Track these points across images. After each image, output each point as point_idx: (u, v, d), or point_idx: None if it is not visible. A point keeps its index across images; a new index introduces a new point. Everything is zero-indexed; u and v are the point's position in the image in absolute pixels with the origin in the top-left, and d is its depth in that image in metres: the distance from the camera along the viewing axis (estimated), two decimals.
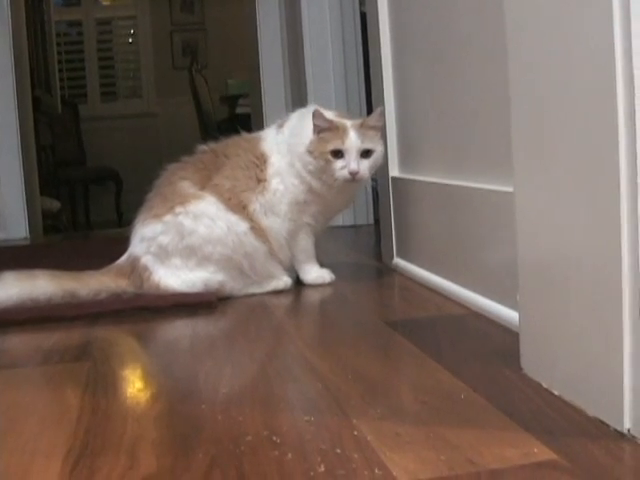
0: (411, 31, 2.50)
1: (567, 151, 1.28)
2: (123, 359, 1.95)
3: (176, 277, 2.33)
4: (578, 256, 1.28)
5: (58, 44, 8.90)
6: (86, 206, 8.64)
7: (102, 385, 1.64)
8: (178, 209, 2.32)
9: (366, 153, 2.37)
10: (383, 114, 2.56)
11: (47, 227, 5.84)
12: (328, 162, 2.35)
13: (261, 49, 4.74)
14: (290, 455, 1.20)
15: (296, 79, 4.49)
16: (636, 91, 1.11)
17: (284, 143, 2.48)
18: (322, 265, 2.56)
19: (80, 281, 2.31)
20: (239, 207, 2.37)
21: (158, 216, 2.35)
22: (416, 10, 2.44)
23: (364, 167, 2.35)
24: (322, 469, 1.14)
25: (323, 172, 2.38)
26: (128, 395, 1.63)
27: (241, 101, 7.17)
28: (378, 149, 2.40)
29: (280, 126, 2.54)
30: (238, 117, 6.96)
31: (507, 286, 1.80)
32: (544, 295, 1.40)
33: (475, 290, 2.05)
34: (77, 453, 1.26)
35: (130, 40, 9.57)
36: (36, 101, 6.11)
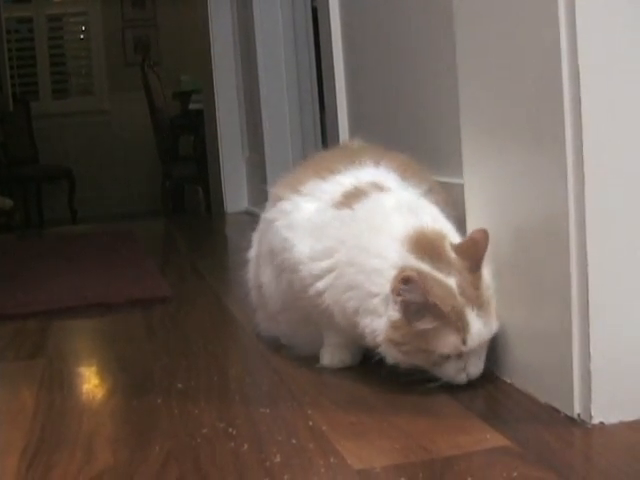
0: (362, 25, 2.51)
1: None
2: (78, 355, 1.95)
3: None
4: (527, 242, 1.30)
5: (8, 41, 8.81)
6: (39, 204, 8.56)
7: (57, 381, 1.64)
8: None
9: None
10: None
11: (0, 226, 5.80)
12: (434, 364, 1.37)
13: (213, 45, 4.73)
14: (246, 446, 1.21)
15: (248, 74, 4.49)
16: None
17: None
18: None
19: None
20: None
21: None
22: (367, 4, 2.45)
23: (483, 362, 1.40)
24: (278, 459, 1.16)
25: (416, 364, 1.39)
26: (84, 391, 1.63)
27: (194, 97, 7.14)
28: None
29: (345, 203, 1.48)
30: (191, 113, 6.93)
31: None
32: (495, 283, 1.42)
33: None
34: (33, 449, 1.27)
35: (82, 36, 9.48)
36: None
